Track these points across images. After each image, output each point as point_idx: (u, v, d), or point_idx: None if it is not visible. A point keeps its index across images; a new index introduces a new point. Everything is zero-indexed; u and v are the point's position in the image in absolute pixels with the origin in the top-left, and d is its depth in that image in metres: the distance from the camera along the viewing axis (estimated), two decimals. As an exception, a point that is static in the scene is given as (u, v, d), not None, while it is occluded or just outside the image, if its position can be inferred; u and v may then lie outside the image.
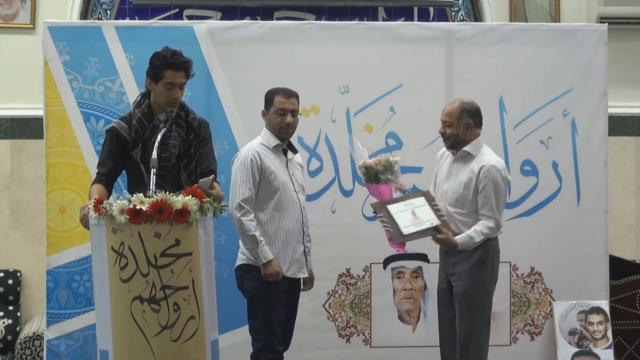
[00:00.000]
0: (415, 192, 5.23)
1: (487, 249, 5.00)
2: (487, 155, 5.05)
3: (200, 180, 4.54)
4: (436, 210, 4.96)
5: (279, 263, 4.90)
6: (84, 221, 4.43)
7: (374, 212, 4.99)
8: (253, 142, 5.03)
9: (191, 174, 4.78)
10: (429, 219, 4.94)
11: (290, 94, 5.01)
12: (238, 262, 5.02)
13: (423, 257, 5.70)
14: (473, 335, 4.96)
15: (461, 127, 5.02)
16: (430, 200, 5.02)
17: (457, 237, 4.92)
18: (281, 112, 4.98)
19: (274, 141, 4.99)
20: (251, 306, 4.96)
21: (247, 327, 5.01)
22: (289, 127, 5.01)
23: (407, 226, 4.88)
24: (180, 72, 4.71)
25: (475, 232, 4.92)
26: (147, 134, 4.71)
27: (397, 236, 4.87)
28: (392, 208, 4.95)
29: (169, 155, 4.71)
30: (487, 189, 4.95)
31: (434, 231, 4.91)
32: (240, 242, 4.98)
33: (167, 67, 4.68)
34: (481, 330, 5.01)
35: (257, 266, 4.90)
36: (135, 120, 4.74)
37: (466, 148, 5.04)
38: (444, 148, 5.17)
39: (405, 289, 5.76)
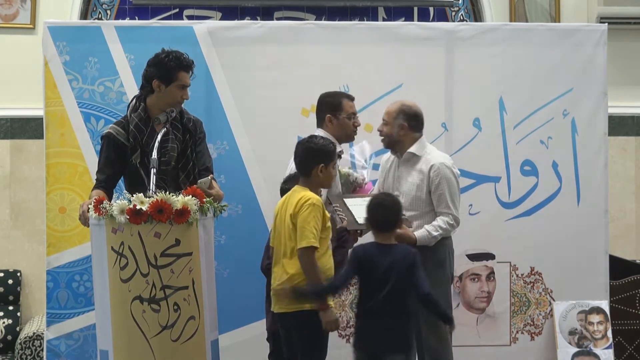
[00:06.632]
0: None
1: (444, 249, 5.03)
2: (433, 153, 5.09)
3: (199, 181, 4.53)
4: None
5: None
6: (83, 217, 4.42)
7: (330, 202, 4.96)
8: None
9: (189, 174, 4.76)
10: None
11: (352, 97, 5.09)
12: None
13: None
14: (436, 335, 4.92)
15: (395, 128, 5.06)
16: None
17: (415, 232, 4.90)
18: (353, 115, 5.03)
19: (339, 147, 4.95)
20: None
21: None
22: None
23: (362, 217, 4.89)
24: (189, 73, 4.74)
25: (434, 227, 4.92)
26: (145, 138, 4.69)
27: (351, 223, 4.87)
28: (348, 200, 5.00)
29: (169, 159, 4.69)
30: (441, 187, 4.98)
31: None
32: None
33: (181, 68, 4.68)
34: (444, 328, 4.95)
35: None
36: (132, 125, 4.70)
37: (411, 149, 5.08)
38: (389, 153, 5.21)
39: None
